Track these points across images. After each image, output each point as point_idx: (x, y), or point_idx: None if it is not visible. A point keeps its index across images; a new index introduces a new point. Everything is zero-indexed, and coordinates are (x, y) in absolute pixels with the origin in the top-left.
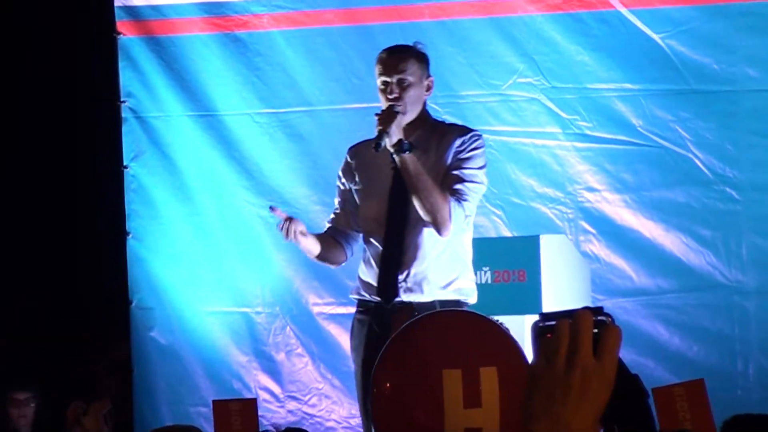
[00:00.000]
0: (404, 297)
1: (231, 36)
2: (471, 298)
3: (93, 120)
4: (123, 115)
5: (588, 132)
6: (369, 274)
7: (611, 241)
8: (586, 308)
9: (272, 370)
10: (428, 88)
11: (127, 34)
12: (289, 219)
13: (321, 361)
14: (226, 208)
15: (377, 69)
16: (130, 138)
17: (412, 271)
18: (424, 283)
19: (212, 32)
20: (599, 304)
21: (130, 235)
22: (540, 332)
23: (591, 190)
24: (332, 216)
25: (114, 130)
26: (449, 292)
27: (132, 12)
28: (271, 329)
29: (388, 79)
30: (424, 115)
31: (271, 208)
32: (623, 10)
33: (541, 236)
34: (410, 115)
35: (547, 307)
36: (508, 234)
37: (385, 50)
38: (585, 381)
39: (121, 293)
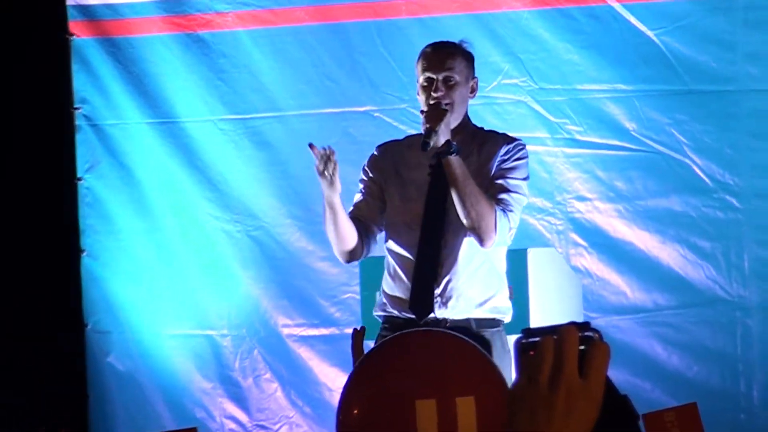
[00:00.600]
0: (438, 313)
1: (193, 36)
2: (507, 316)
3: (44, 129)
4: (77, 122)
5: (578, 137)
6: (398, 288)
7: (604, 254)
8: (571, 323)
9: (239, 397)
10: (473, 90)
11: (81, 36)
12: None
13: (291, 387)
14: (188, 222)
15: (420, 65)
16: (85, 147)
17: (450, 284)
18: (460, 298)
19: (173, 32)
20: (590, 321)
21: (85, 253)
22: (523, 349)
23: (582, 199)
24: (353, 206)
25: (67, 140)
26: (485, 310)
27: (85, 11)
28: (238, 353)
29: (433, 76)
30: (465, 119)
31: (310, 146)
32: (615, 5)
33: (528, 250)
34: (456, 117)
35: (536, 324)
36: None
37: (430, 45)
38: (570, 401)
39: (75, 315)
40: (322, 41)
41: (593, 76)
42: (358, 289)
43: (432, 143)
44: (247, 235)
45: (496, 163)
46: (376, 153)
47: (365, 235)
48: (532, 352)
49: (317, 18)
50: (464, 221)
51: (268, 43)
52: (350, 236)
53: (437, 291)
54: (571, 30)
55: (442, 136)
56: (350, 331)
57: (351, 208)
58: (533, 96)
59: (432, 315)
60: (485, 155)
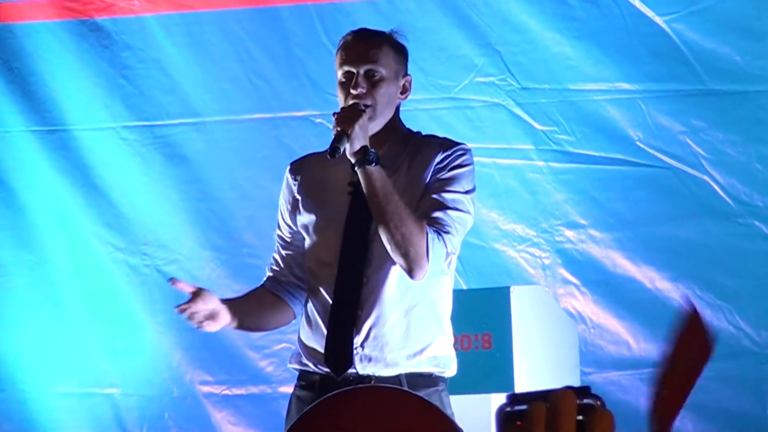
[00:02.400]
0: (360, 368)
1: (89, 24)
2: (449, 369)
3: None
4: None
5: (570, 148)
6: (313, 337)
7: (600, 294)
8: (567, 388)
9: None
10: (404, 90)
11: None
12: (195, 294)
13: None
14: (83, 254)
15: (339, 56)
16: None
17: (373, 331)
18: (386, 349)
19: (64, 18)
20: (586, 381)
21: None
22: (507, 419)
23: (573, 226)
24: (271, 260)
25: None
26: (421, 361)
27: None
28: (144, 417)
29: (352, 69)
30: (395, 123)
31: (171, 281)
32: None
33: (511, 288)
34: (380, 121)
35: (522, 382)
36: (464, 286)
37: (351, 33)
38: None
39: None
40: (251, 30)
41: (589, 73)
42: (294, 337)
43: (342, 149)
44: (157, 270)
45: (429, 175)
46: (288, 175)
47: (292, 296)
48: (519, 423)
49: (244, 1)
50: (388, 247)
51: (183, 32)
52: (271, 320)
53: (357, 340)
54: (563, 16)
55: (357, 142)
56: (286, 390)
57: (269, 269)
58: (514, 98)
59: (352, 370)
60: (418, 166)
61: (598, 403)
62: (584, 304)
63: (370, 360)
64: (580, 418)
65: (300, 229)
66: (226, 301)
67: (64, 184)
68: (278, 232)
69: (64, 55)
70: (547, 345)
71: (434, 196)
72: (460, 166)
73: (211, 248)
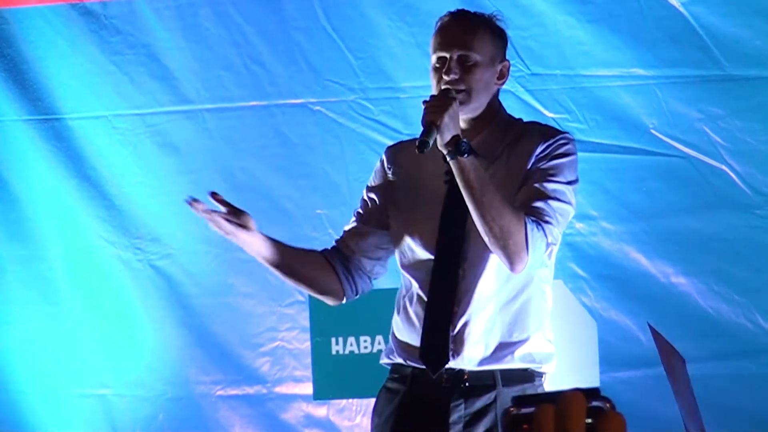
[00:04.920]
0: (453, 363)
1: (79, 8)
2: (547, 365)
3: None
4: None
5: (581, 137)
6: (407, 331)
7: (612, 289)
8: (576, 390)
9: None
10: (501, 76)
11: None
12: (231, 211)
13: None
14: (75, 248)
15: (433, 40)
16: None
17: (467, 327)
18: (480, 345)
19: (55, 2)
20: (600, 388)
21: None
22: (513, 422)
23: (584, 218)
24: (346, 229)
25: None
26: (515, 357)
27: None
28: (138, 418)
29: (445, 55)
30: (494, 109)
31: (212, 194)
32: None
33: None
34: (475, 108)
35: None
36: None
37: (448, 14)
38: None
39: None
40: (246, 13)
41: (603, 58)
42: (289, 335)
43: (431, 143)
44: (150, 265)
45: (530, 164)
46: (383, 157)
47: (346, 271)
48: (526, 426)
49: None
50: (486, 240)
51: (175, 16)
52: (316, 280)
53: (452, 335)
54: None
55: (447, 132)
56: (281, 390)
57: (336, 241)
58: (524, 84)
59: (448, 365)
60: (518, 154)
61: (608, 405)
62: (594, 300)
63: (463, 354)
64: (590, 421)
65: (391, 216)
66: (263, 234)
67: (57, 175)
68: (362, 208)
69: (55, 41)
70: (565, 342)
71: (535, 185)
72: (562, 155)
73: (205, 242)
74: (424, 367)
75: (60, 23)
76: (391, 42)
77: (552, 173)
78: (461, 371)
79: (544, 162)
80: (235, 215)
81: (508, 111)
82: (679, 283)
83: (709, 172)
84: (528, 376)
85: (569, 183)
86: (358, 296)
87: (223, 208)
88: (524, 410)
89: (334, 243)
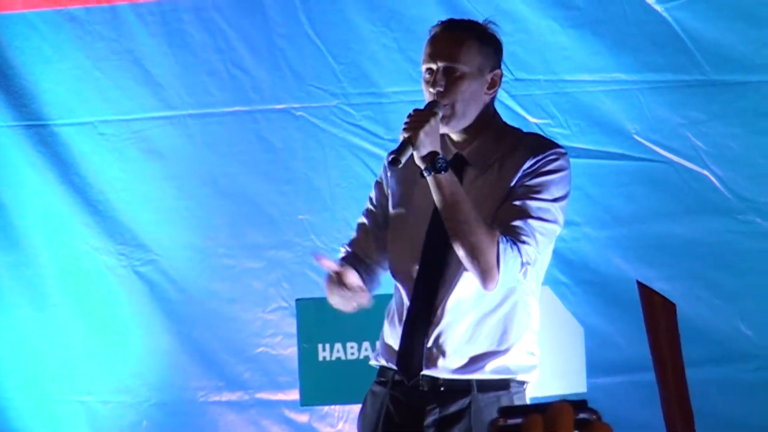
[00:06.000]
0: (427, 370)
1: (64, 13)
2: (526, 375)
3: None
4: None
5: (564, 142)
6: (392, 336)
7: (593, 294)
8: (563, 401)
9: None
10: (492, 85)
11: None
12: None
13: None
14: (61, 254)
15: (423, 52)
16: None
17: (444, 334)
18: (457, 353)
19: (40, 8)
20: (587, 399)
21: None
22: None
23: (567, 223)
24: (355, 234)
25: None
26: (492, 369)
27: None
28: (121, 425)
29: (432, 66)
30: (486, 119)
31: (317, 258)
32: None
33: None
34: (462, 120)
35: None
36: None
37: (438, 25)
38: None
39: None
40: (230, 18)
41: (586, 63)
42: (273, 341)
43: (404, 160)
44: (134, 271)
45: (516, 180)
46: (384, 164)
47: (365, 274)
48: None
49: None
50: (459, 255)
51: (159, 22)
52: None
53: (428, 342)
54: (559, 4)
55: (423, 148)
56: (264, 396)
57: (346, 246)
58: (507, 90)
59: (423, 372)
60: (508, 167)
61: (595, 417)
62: (575, 305)
63: (437, 363)
64: None
65: (389, 221)
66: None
67: (43, 181)
68: (367, 213)
69: (41, 47)
70: (552, 349)
71: (517, 203)
72: (550, 172)
73: (189, 248)
74: (401, 372)
75: (45, 29)
76: (374, 47)
77: (537, 190)
78: (436, 378)
79: (530, 178)
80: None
81: None
82: (660, 289)
83: (691, 178)
84: (504, 384)
85: (555, 200)
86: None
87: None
88: (511, 421)
89: (348, 248)
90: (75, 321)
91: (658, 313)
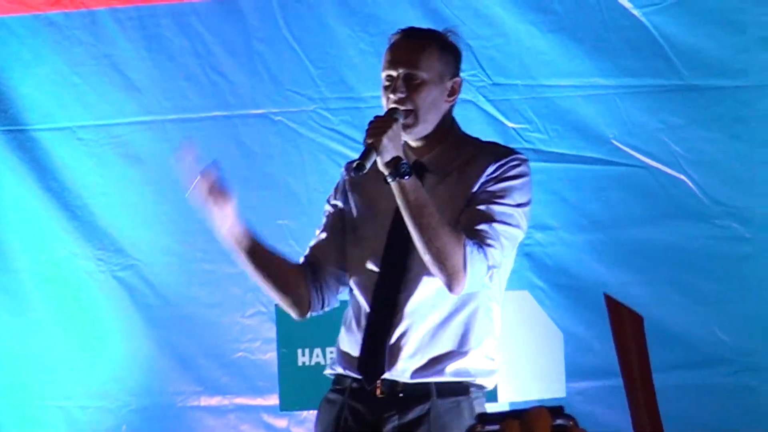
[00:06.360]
0: (389, 374)
1: (43, 18)
2: (485, 379)
3: None
4: None
5: (541, 146)
6: (349, 342)
7: (570, 299)
8: (540, 407)
9: None
10: (452, 93)
11: None
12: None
13: None
14: (40, 259)
15: (383, 58)
16: None
17: (405, 338)
18: (417, 356)
19: (19, 13)
20: (563, 405)
21: None
22: None
23: (543, 228)
24: (311, 243)
25: None
26: (452, 371)
27: None
28: (100, 429)
29: (392, 73)
30: (445, 127)
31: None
32: None
33: None
34: (422, 127)
35: (505, 392)
36: None
37: (398, 33)
38: None
39: None
40: (208, 23)
41: (563, 68)
42: (252, 346)
43: (369, 166)
44: (112, 276)
45: (479, 186)
46: (343, 173)
47: (316, 280)
48: None
49: None
50: (424, 260)
51: (137, 27)
52: (285, 283)
53: (389, 345)
54: (537, 9)
55: (387, 154)
56: (242, 401)
57: (306, 251)
58: (485, 94)
59: (384, 376)
60: (469, 174)
61: (572, 423)
62: (552, 310)
63: (398, 367)
64: None
65: (348, 229)
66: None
67: (22, 186)
68: (325, 220)
69: (19, 52)
70: (531, 354)
71: (481, 207)
72: (513, 177)
73: (168, 253)
74: (361, 377)
75: (23, 34)
76: (351, 52)
77: (500, 195)
78: (396, 382)
79: (493, 184)
80: (223, 189)
81: (470, 122)
82: (636, 294)
83: (668, 182)
84: (463, 388)
85: (519, 206)
86: (323, 311)
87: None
88: (489, 427)
89: (303, 258)
90: (53, 326)
91: (625, 325)
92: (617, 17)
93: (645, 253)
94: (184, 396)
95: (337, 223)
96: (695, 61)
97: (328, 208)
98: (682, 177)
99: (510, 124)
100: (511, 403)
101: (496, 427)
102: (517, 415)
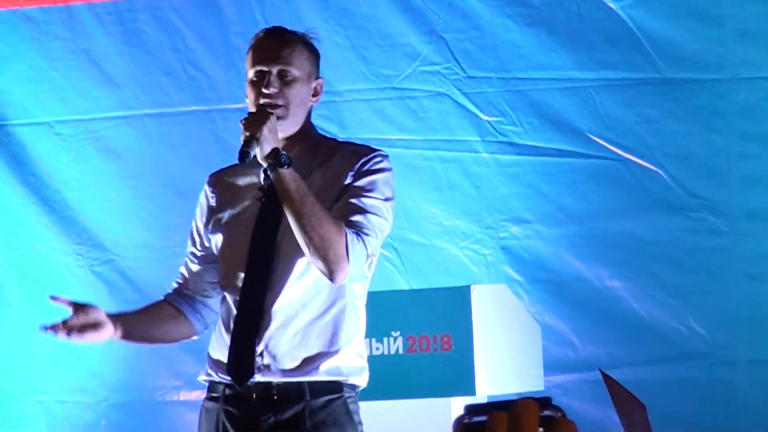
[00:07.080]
0: (260, 377)
1: (20, 14)
2: (357, 378)
3: None
4: None
5: (517, 140)
6: (219, 347)
7: (546, 292)
8: (528, 398)
9: None
10: (316, 93)
11: None
12: (76, 308)
13: None
14: (17, 254)
15: (250, 55)
16: None
17: (273, 340)
18: (286, 357)
19: None
20: (551, 396)
21: None
22: (465, 431)
23: (519, 221)
24: (179, 274)
25: None
26: (324, 370)
27: None
28: (78, 424)
29: (265, 69)
30: (307, 127)
31: (52, 299)
32: None
33: (472, 287)
34: (292, 122)
35: (483, 386)
36: (403, 286)
37: (264, 30)
38: None
39: None
40: (186, 18)
41: (539, 61)
42: None
43: (252, 153)
44: (91, 271)
45: (345, 182)
46: (205, 188)
47: (194, 309)
48: None
49: None
50: (306, 251)
51: (115, 21)
52: (166, 332)
53: (258, 348)
54: (512, 2)
55: (267, 145)
56: None
57: (176, 282)
58: (459, 87)
59: (254, 379)
60: (332, 171)
61: (560, 414)
62: (528, 303)
63: (270, 368)
64: (541, 430)
65: (213, 243)
66: (112, 315)
67: (0, 181)
68: (189, 247)
69: None
70: (509, 347)
71: (352, 200)
72: (378, 171)
73: (146, 247)
74: (232, 382)
75: (0, 29)
76: (326, 45)
77: (369, 189)
78: (269, 384)
79: (361, 179)
80: (84, 311)
81: (444, 114)
82: (613, 287)
83: (644, 175)
84: (336, 387)
85: (386, 199)
86: (208, 328)
87: (68, 306)
88: (476, 419)
89: (174, 285)
90: (31, 321)
91: (630, 407)
92: (594, 10)
93: (621, 246)
94: (164, 391)
95: (198, 246)
96: (672, 54)
97: (192, 232)
98: (658, 170)
99: (485, 117)
100: (489, 396)
101: (484, 418)
102: (505, 406)
